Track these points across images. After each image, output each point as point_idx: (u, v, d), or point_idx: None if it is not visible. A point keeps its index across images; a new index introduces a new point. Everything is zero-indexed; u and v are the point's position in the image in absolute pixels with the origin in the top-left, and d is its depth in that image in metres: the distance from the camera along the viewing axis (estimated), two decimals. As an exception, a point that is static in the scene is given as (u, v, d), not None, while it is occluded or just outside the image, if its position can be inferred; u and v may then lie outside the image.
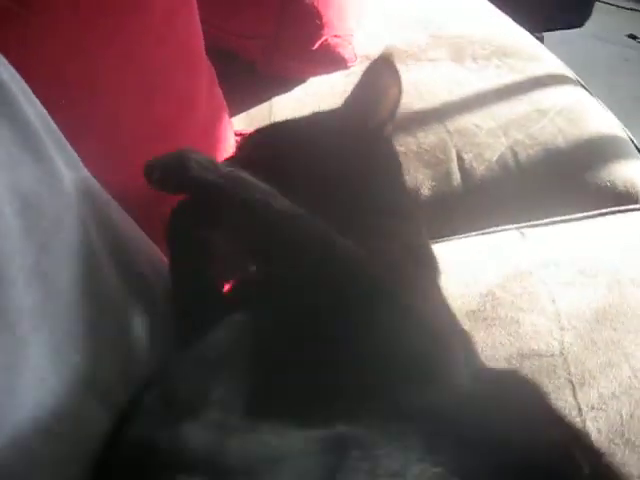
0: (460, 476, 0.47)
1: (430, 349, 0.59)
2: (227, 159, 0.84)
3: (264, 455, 0.48)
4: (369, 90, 0.80)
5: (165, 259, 0.73)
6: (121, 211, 0.69)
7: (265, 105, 1.30)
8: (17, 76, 0.56)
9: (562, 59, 1.46)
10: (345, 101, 0.84)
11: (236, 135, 1.12)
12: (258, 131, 0.88)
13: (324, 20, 1.27)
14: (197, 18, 1.02)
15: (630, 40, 3.24)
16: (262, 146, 0.83)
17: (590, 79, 1.41)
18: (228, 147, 1.01)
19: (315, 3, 1.26)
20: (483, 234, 1.05)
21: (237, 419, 0.52)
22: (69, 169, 0.59)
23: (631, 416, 0.76)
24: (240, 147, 0.89)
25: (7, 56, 0.56)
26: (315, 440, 0.48)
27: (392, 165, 0.85)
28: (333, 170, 0.76)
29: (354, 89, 0.82)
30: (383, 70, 0.79)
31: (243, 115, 1.26)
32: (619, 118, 1.29)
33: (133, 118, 0.84)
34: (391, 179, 0.84)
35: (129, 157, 0.78)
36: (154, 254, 0.74)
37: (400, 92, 0.80)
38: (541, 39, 2.86)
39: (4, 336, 0.46)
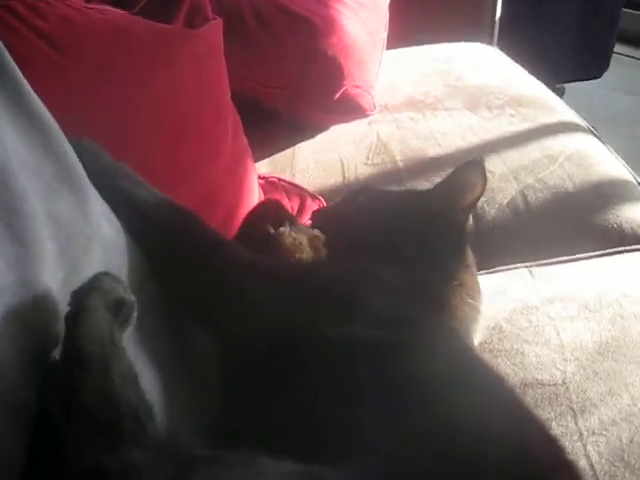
0: None
1: None
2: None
3: None
4: (458, 183, 0.88)
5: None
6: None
7: (288, 151, 1.37)
8: (50, 115, 0.63)
9: (583, 110, 1.51)
10: (435, 186, 0.92)
11: (260, 178, 1.19)
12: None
13: (345, 72, 1.35)
14: (224, 69, 1.10)
15: (651, 91, 3.29)
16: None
17: (611, 129, 1.45)
18: (252, 189, 1.08)
19: (337, 55, 1.34)
20: (494, 272, 1.10)
21: (202, 448, 0.52)
22: (99, 202, 0.66)
23: (631, 441, 0.79)
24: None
25: (46, 100, 0.63)
26: (291, 476, 0.49)
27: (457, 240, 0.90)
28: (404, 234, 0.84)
29: (446, 178, 0.91)
30: (474, 170, 0.87)
31: (267, 160, 1.33)
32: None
33: (162, 161, 0.91)
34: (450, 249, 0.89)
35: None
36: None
37: (483, 191, 0.89)
38: (562, 90, 2.94)
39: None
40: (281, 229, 0.82)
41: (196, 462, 0.47)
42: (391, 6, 1.66)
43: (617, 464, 0.77)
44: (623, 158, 1.36)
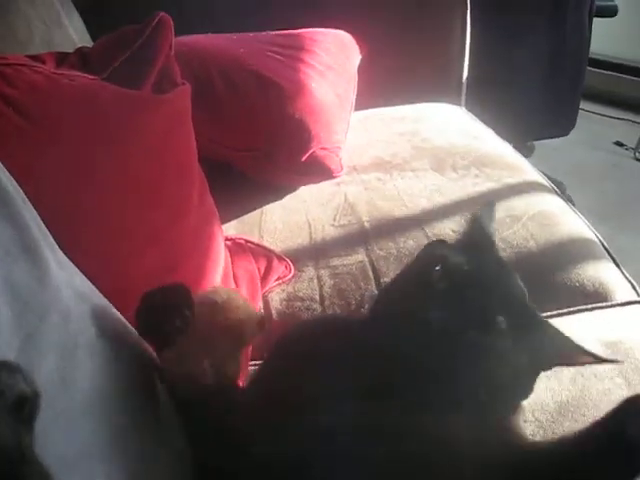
0: None
1: None
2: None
3: None
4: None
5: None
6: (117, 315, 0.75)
7: (256, 212, 1.38)
8: (14, 181, 0.64)
9: (553, 167, 1.55)
10: None
11: (227, 240, 1.20)
12: None
13: (312, 134, 1.38)
14: (192, 133, 1.12)
15: (617, 147, 3.37)
16: None
17: (580, 185, 1.49)
18: (219, 252, 1.09)
19: (304, 118, 1.37)
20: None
21: None
22: (61, 269, 0.67)
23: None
24: None
25: (12, 167, 0.64)
26: None
27: None
28: None
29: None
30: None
31: (235, 222, 1.35)
32: (608, 222, 1.35)
33: (130, 225, 0.92)
34: None
35: (125, 264, 0.85)
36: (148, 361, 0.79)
37: None
38: (532, 147, 3.00)
39: None
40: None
41: None
42: (360, 68, 1.70)
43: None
44: (591, 212, 1.38)
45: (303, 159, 1.38)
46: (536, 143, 3.00)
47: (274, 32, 1.58)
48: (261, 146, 1.38)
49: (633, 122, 3.51)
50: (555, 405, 0.92)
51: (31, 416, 0.47)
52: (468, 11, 1.90)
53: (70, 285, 0.68)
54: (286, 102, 1.36)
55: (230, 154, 1.39)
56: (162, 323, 0.70)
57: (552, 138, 2.76)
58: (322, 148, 1.40)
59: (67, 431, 0.57)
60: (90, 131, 0.92)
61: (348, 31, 1.71)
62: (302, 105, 1.37)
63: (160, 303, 0.71)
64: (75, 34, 1.48)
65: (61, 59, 1.13)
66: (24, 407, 0.46)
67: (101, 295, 0.73)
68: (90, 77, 1.03)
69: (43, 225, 0.67)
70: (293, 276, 1.20)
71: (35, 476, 0.43)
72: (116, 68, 1.09)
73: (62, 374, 0.62)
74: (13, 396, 0.46)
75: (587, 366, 0.97)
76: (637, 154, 3.30)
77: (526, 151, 2.76)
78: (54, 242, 0.68)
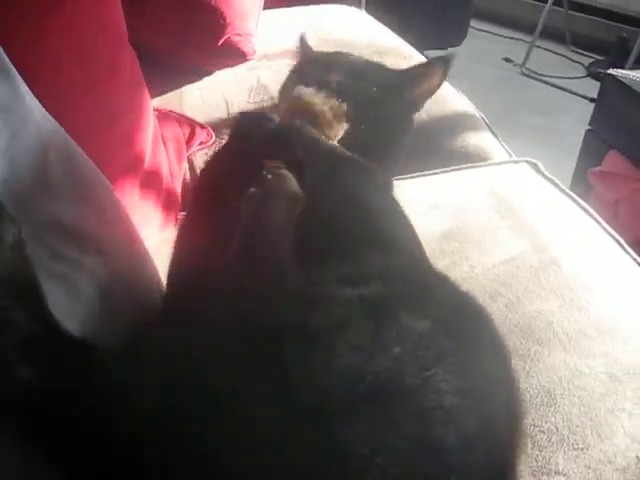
0: None
1: None
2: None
3: None
4: (421, 74, 1.07)
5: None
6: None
7: (176, 92, 1.50)
8: None
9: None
10: (403, 70, 1.09)
11: (154, 110, 1.32)
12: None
13: (227, 20, 1.49)
14: (121, 9, 1.22)
15: (505, 63, 3.61)
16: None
17: (469, 95, 1.64)
18: (149, 112, 1.20)
19: (220, 6, 1.48)
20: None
21: None
22: (31, 96, 0.79)
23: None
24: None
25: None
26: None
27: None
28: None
29: (414, 67, 1.11)
30: (439, 64, 1.06)
31: (156, 99, 1.45)
32: (493, 127, 1.53)
33: (70, 79, 1.02)
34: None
35: (62, 117, 0.97)
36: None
37: (440, 85, 1.08)
38: (426, 57, 3.18)
39: None
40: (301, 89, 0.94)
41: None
42: (267, -32, 1.81)
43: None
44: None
45: (219, 43, 1.50)
46: (430, 56, 3.17)
47: None
48: (180, 32, 1.49)
49: (521, 40, 3.74)
50: (441, 232, 1.10)
51: None
52: None
53: (38, 107, 0.81)
54: (203, -10, 1.47)
55: (151, 40, 1.49)
56: None
57: (445, 48, 2.94)
58: (236, 34, 1.52)
59: None
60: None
61: None
62: (218, -6, 1.49)
63: None
64: None
65: None
66: None
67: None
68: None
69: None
70: (214, 142, 1.34)
71: None
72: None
73: (40, 174, 0.75)
74: None
75: (467, 205, 1.16)
76: (523, 69, 3.54)
77: (422, 62, 2.94)
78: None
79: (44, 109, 0.83)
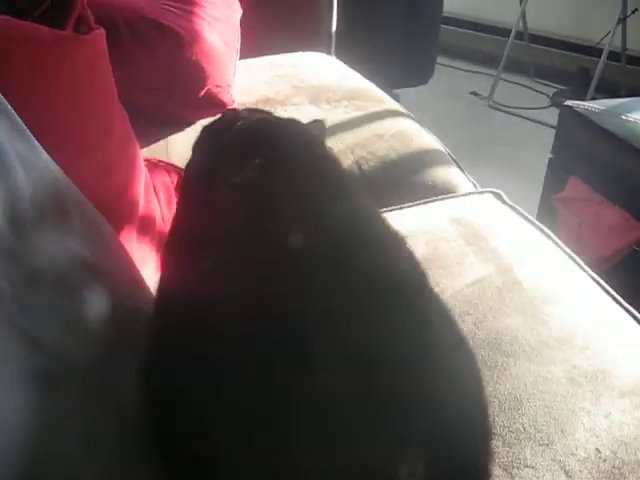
0: None
1: None
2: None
3: None
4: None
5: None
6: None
7: (162, 142, 1.61)
8: None
9: (415, 115, 1.82)
10: None
11: (144, 160, 1.42)
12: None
13: (207, 73, 1.61)
14: (111, 72, 1.33)
15: (473, 97, 3.76)
16: None
17: (438, 129, 1.76)
18: (141, 164, 1.30)
19: (200, 60, 1.60)
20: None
21: None
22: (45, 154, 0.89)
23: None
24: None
25: None
26: None
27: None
28: None
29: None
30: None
31: (144, 150, 1.56)
32: (462, 160, 1.64)
33: (67, 138, 1.12)
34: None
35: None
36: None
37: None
38: (397, 96, 3.33)
39: None
40: None
41: None
42: (241, 22, 1.93)
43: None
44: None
45: (200, 95, 1.62)
46: (400, 94, 3.32)
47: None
48: (163, 86, 1.61)
49: (487, 74, 3.89)
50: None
51: None
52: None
53: (51, 161, 0.91)
54: (184, 47, 1.59)
55: (135, 93, 1.59)
56: None
57: (413, 86, 3.09)
58: (216, 85, 1.64)
59: None
60: (28, 63, 1.12)
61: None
62: (197, 50, 1.60)
63: None
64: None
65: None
66: None
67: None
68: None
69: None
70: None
71: None
72: (40, 14, 1.28)
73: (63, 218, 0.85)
74: None
75: (437, 233, 1.27)
76: (490, 102, 3.69)
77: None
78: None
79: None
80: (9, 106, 0.87)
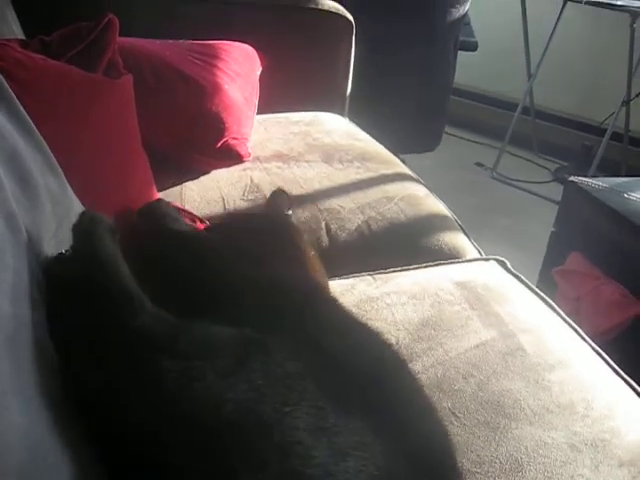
0: None
1: None
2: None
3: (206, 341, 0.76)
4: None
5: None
6: None
7: (177, 188, 1.64)
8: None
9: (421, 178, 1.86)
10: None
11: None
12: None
13: (226, 125, 1.66)
14: (135, 115, 1.37)
15: (477, 167, 3.82)
16: None
17: (443, 198, 1.80)
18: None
19: (220, 112, 1.65)
20: (345, 278, 1.41)
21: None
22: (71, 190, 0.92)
23: (443, 375, 1.11)
24: None
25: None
26: (235, 336, 0.78)
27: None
28: None
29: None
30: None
31: (161, 194, 1.60)
32: (466, 226, 1.68)
33: (96, 176, 1.16)
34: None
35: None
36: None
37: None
38: (403, 162, 3.38)
39: None
40: None
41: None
42: (260, 78, 1.99)
43: (434, 390, 1.08)
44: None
45: (218, 146, 1.66)
46: (406, 159, 3.38)
47: (190, 41, 1.85)
48: (183, 134, 1.65)
49: (492, 146, 3.97)
50: (419, 320, 1.23)
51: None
52: (352, 46, 2.24)
53: (76, 198, 0.94)
54: (205, 98, 1.64)
55: (156, 139, 1.64)
56: None
57: (421, 152, 3.14)
58: (234, 138, 1.68)
59: None
60: (65, 103, 1.17)
61: (251, 45, 2.00)
62: (218, 101, 1.65)
63: None
64: (17, 29, 1.69)
65: (24, 45, 1.35)
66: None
67: None
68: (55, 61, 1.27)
69: None
70: (213, 234, 1.47)
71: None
72: (73, 56, 1.33)
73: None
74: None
75: (442, 296, 1.29)
76: (494, 173, 3.75)
77: (398, 165, 3.14)
78: None
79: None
80: (44, 141, 0.91)
